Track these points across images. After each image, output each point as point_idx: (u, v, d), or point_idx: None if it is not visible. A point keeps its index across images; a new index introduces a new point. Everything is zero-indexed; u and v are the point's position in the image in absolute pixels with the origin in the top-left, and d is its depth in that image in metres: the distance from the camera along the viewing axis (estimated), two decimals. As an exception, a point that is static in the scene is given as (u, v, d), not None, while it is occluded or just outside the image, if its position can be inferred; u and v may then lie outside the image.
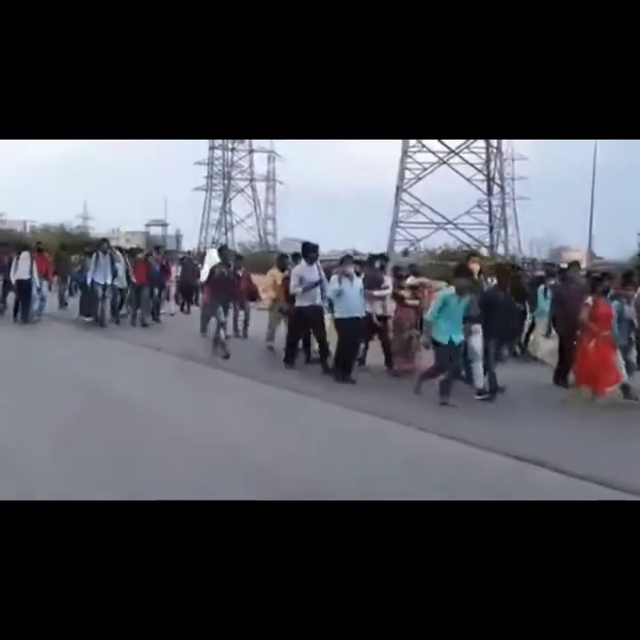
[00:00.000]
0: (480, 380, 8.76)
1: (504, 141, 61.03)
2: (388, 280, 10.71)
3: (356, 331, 9.85)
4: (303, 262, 10.59)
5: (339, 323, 9.78)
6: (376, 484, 5.31)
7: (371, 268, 10.90)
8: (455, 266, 9.35)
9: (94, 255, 14.87)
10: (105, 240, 15.90)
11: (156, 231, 67.09)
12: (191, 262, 19.54)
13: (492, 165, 61.96)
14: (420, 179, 60.94)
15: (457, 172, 60.03)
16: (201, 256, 22.98)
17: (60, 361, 10.61)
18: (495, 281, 9.82)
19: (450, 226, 60.21)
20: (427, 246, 59.69)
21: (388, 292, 10.57)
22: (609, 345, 8.55)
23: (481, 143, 60.67)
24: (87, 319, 15.21)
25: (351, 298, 9.68)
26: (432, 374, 8.67)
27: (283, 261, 12.43)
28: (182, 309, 18.93)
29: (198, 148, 69.05)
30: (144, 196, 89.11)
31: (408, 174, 61.60)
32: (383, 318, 10.49)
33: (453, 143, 59.33)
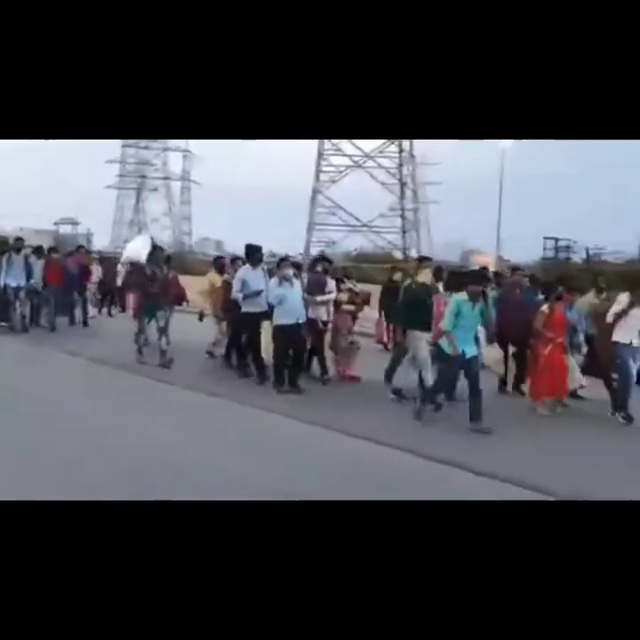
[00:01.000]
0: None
1: (416, 147, 62.01)
2: (332, 284, 10.12)
3: (299, 337, 9.24)
4: (247, 265, 9.86)
5: (280, 329, 9.10)
6: (288, 483, 5.25)
7: (313, 271, 10.26)
8: (469, 272, 8.81)
9: (7, 255, 13.60)
10: (19, 239, 14.58)
11: (65, 230, 64.57)
12: (112, 262, 18.36)
13: (404, 170, 62.72)
14: (334, 181, 61.23)
15: (371, 175, 60.53)
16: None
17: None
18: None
19: (364, 228, 60.66)
20: (342, 248, 59.86)
21: (333, 296, 10.02)
22: (563, 351, 8.31)
23: (394, 148, 61.49)
24: (2, 324, 14.02)
25: (292, 303, 9.07)
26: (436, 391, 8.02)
27: (221, 263, 11.58)
28: (100, 312, 17.77)
29: (110, 145, 66.81)
30: (53, 194, 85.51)
31: (323, 177, 61.82)
32: (328, 323, 9.93)
33: (368, 146, 59.94)
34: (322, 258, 10.81)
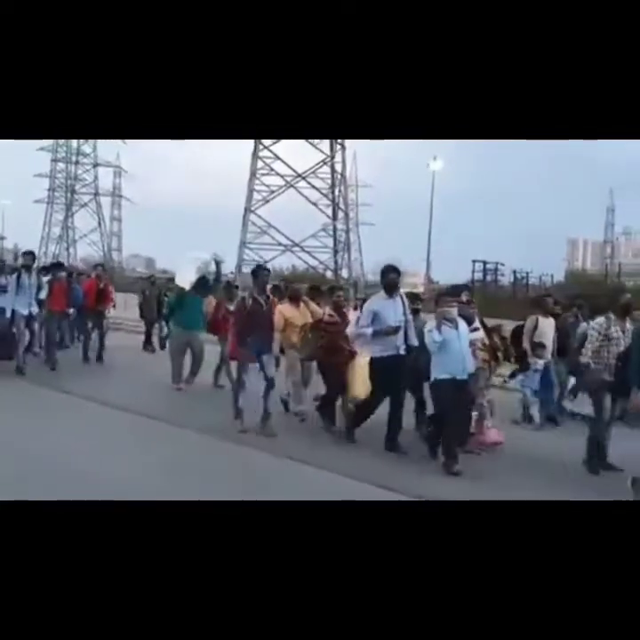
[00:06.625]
0: None
1: (348, 168, 61.56)
2: (477, 319, 7.70)
3: (465, 397, 6.82)
4: (381, 293, 7.33)
5: (443, 386, 6.66)
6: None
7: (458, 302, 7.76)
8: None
9: (16, 275, 10.36)
10: (30, 253, 11.25)
11: (-9, 245, 60.05)
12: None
13: (336, 191, 61.62)
14: (267, 201, 59.31)
15: (303, 195, 58.89)
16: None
17: None
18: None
19: (296, 248, 59.05)
20: (275, 267, 58.02)
21: (480, 335, 7.59)
22: None
23: (326, 169, 60.78)
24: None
25: (459, 351, 6.63)
26: None
27: (295, 291, 8.83)
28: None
29: (40, 159, 63.09)
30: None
31: (256, 196, 59.81)
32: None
33: (300, 167, 58.87)
34: (464, 286, 8.31)
